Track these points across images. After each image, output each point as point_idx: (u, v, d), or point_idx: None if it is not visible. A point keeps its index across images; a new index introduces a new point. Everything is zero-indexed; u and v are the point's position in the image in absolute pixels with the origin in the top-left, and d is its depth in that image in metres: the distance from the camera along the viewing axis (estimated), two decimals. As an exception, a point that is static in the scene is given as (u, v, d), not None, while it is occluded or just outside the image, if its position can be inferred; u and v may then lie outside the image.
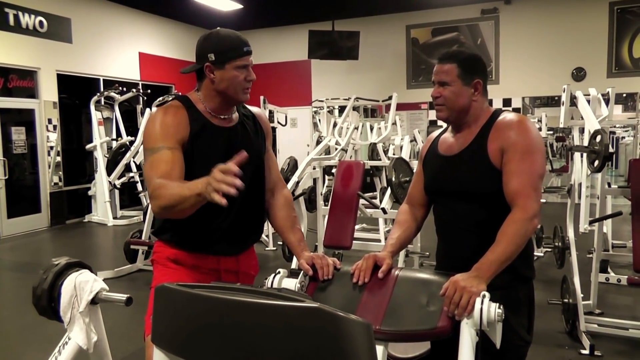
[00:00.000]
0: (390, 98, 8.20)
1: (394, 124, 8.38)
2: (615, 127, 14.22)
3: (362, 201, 4.61)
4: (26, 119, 8.95)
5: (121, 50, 10.93)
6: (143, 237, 5.83)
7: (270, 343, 0.95)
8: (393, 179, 4.70)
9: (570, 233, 4.20)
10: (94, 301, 1.69)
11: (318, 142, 8.59)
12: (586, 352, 3.54)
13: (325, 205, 5.25)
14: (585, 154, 4.14)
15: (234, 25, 11.94)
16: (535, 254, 4.68)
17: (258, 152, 2.02)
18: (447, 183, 1.90)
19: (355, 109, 9.85)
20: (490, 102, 2.46)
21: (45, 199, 9.18)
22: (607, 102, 5.74)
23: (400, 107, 9.65)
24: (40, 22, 8.99)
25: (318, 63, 12.37)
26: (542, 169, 1.77)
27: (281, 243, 6.02)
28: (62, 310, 1.69)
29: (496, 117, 1.85)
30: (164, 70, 12.01)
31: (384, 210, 4.81)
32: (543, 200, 6.54)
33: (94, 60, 10.21)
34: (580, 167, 4.82)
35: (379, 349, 1.43)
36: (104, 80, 10.46)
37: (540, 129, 8.75)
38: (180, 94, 2.53)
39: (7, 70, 8.62)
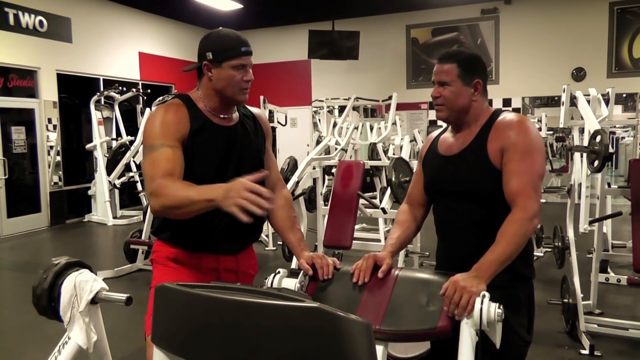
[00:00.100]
0: (390, 98, 8.19)
1: (394, 123, 8.38)
2: (615, 127, 14.21)
3: (362, 201, 4.61)
4: (26, 118, 8.95)
5: (121, 50, 10.93)
6: (143, 237, 5.83)
7: (270, 343, 0.95)
8: (393, 179, 4.70)
9: (570, 233, 4.20)
10: (93, 301, 1.69)
11: (318, 142, 8.60)
12: (586, 352, 3.54)
13: (325, 205, 5.25)
14: (585, 154, 4.14)
15: (234, 25, 11.93)
16: (535, 253, 4.69)
17: (258, 152, 2.02)
18: (446, 183, 1.90)
19: (355, 108, 9.84)
20: (490, 102, 2.46)
21: (45, 199, 9.18)
22: (607, 102, 5.74)
23: (400, 107, 9.65)
24: (40, 22, 8.99)
25: (318, 63, 12.37)
26: (542, 169, 1.77)
27: (281, 243, 6.02)
28: (62, 309, 1.69)
29: (496, 117, 1.85)
30: (163, 70, 12.01)
31: (383, 210, 4.81)
32: (543, 200, 6.56)
33: (94, 60, 10.21)
34: (580, 167, 4.82)
35: (379, 349, 1.43)
36: (103, 80, 10.46)
37: (540, 129, 8.74)
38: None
39: (7, 69, 8.63)
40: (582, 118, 4.83)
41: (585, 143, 4.34)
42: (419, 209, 2.06)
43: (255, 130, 2.04)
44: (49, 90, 9.21)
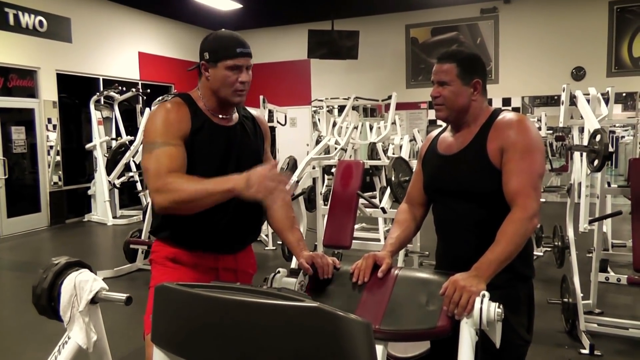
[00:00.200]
0: (389, 97, 8.19)
1: (394, 123, 8.38)
2: (614, 126, 14.22)
3: (361, 201, 4.61)
4: (26, 118, 8.95)
5: (121, 50, 10.93)
6: (142, 237, 5.83)
7: (270, 342, 0.95)
8: (392, 179, 4.70)
9: (570, 232, 4.20)
10: (93, 300, 1.69)
11: (317, 142, 8.60)
12: (586, 351, 3.54)
13: (325, 204, 5.25)
14: (585, 154, 4.14)
15: (234, 24, 11.99)
16: (534, 253, 4.70)
17: (256, 152, 2.03)
18: (446, 182, 1.90)
19: (354, 108, 9.85)
20: (490, 102, 2.47)
21: (45, 199, 9.18)
22: (606, 101, 5.74)
23: (400, 106, 9.65)
24: (40, 22, 8.99)
25: (317, 62, 12.37)
26: (541, 169, 1.77)
27: (280, 243, 6.02)
28: (61, 309, 1.69)
29: (495, 117, 1.85)
30: (163, 69, 12.01)
31: (383, 210, 4.82)
32: (543, 200, 6.56)
33: (94, 60, 10.21)
34: (579, 166, 4.82)
35: (379, 349, 1.43)
36: (103, 79, 10.46)
37: (539, 129, 8.75)
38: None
39: (7, 69, 8.63)
40: (581, 117, 4.83)
41: (585, 142, 4.34)
42: (419, 208, 2.06)
43: (254, 131, 2.05)
44: (48, 90, 9.21)
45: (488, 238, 1.67)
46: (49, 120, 9.17)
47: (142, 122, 8.29)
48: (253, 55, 1.92)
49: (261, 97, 8.03)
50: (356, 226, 5.78)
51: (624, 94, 11.30)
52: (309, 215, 5.59)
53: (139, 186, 9.44)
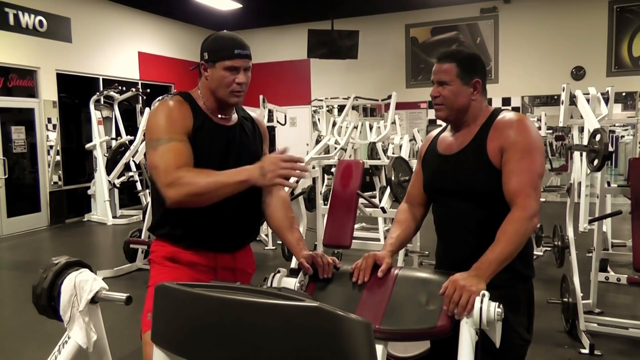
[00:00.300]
0: (389, 97, 8.19)
1: (393, 123, 8.37)
2: (614, 126, 14.21)
3: (361, 200, 4.61)
4: (26, 118, 8.95)
5: (121, 50, 10.93)
6: (142, 236, 5.83)
7: (270, 342, 0.95)
8: (392, 178, 4.70)
9: (570, 232, 4.20)
10: (93, 300, 1.69)
11: (317, 142, 8.60)
12: (586, 351, 3.54)
13: (325, 204, 5.25)
14: (584, 153, 4.14)
15: (233, 24, 11.99)
16: (534, 253, 4.70)
17: (255, 152, 2.04)
18: (446, 182, 1.90)
19: (354, 108, 9.84)
20: (490, 101, 2.46)
21: (44, 198, 9.18)
22: (606, 101, 5.73)
23: (400, 106, 9.65)
24: (40, 22, 8.99)
25: (317, 62, 12.37)
26: (541, 168, 1.77)
27: (280, 242, 6.02)
28: (61, 309, 1.69)
29: (495, 116, 1.85)
30: (163, 69, 12.02)
31: (383, 210, 4.82)
32: (542, 199, 6.55)
33: (94, 60, 10.21)
34: (579, 166, 4.81)
35: (379, 348, 1.43)
36: (103, 79, 10.47)
37: (539, 128, 8.74)
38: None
39: (7, 69, 8.63)
40: (581, 117, 4.83)
41: (585, 142, 4.33)
42: (419, 208, 2.06)
43: (253, 132, 2.06)
44: (48, 90, 9.21)
45: (488, 238, 1.67)
46: (49, 120, 9.17)
47: (142, 121, 8.30)
48: (253, 55, 1.93)
49: (261, 96, 8.03)
50: (356, 226, 5.77)
51: (623, 94, 11.31)
52: (309, 215, 5.59)
53: (138, 186, 9.44)
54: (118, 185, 9.09)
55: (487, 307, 1.45)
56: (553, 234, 5.25)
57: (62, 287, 1.69)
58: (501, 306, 1.45)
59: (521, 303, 1.84)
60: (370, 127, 9.18)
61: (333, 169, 5.21)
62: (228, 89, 1.87)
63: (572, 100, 4.96)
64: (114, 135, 9.75)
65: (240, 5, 10.81)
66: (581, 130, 5.51)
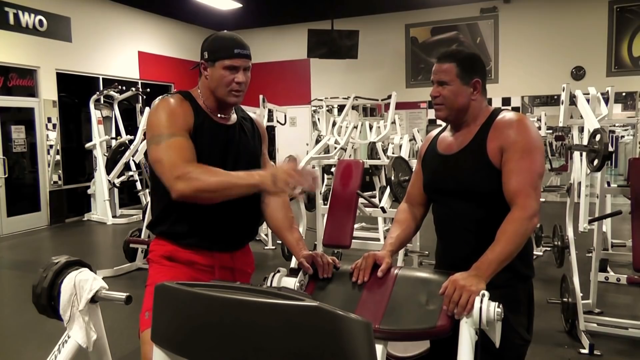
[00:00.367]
0: (389, 97, 8.18)
1: (393, 123, 8.36)
2: (614, 126, 14.21)
3: (361, 200, 4.61)
4: (26, 117, 8.95)
5: (120, 49, 10.93)
6: (142, 236, 5.83)
7: (270, 342, 0.95)
8: (392, 178, 4.70)
9: (570, 232, 4.20)
10: (93, 300, 1.69)
11: (317, 141, 8.59)
12: (585, 351, 3.54)
13: (325, 204, 5.25)
14: (584, 153, 4.14)
15: (233, 24, 11.98)
16: (534, 252, 4.69)
17: (254, 152, 2.05)
18: (446, 182, 1.90)
19: (354, 107, 9.84)
20: (490, 101, 2.46)
21: (44, 198, 9.17)
22: (606, 101, 5.73)
23: (400, 106, 9.64)
24: (40, 21, 8.99)
25: (317, 62, 12.37)
26: (541, 168, 1.77)
27: (280, 242, 6.02)
28: (61, 308, 1.69)
29: (495, 116, 1.85)
30: (163, 69, 12.01)
31: (383, 209, 4.81)
32: (542, 199, 6.55)
33: (94, 59, 10.20)
34: (579, 166, 4.81)
35: (379, 348, 1.43)
36: (103, 79, 10.47)
37: (539, 128, 8.74)
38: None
39: (7, 69, 8.63)
40: (581, 117, 4.82)
41: (585, 142, 4.33)
42: (419, 208, 2.06)
43: (252, 132, 2.07)
44: (48, 90, 9.21)
45: (488, 238, 1.67)
46: (49, 120, 9.17)
47: (142, 121, 8.29)
48: (253, 55, 1.93)
49: (261, 96, 8.03)
50: (356, 226, 5.78)
51: (623, 94, 11.31)
52: (309, 215, 5.59)
53: (138, 185, 9.43)
54: (118, 185, 9.09)
55: (487, 307, 1.45)
56: (553, 233, 5.26)
57: (62, 287, 1.69)
58: (501, 306, 1.45)
59: (521, 303, 1.84)
60: (370, 127, 9.18)
61: (333, 169, 5.21)
62: (227, 88, 1.87)
63: (572, 100, 4.95)
64: (113, 135, 9.75)
65: (240, 5, 10.80)
66: (581, 130, 5.51)
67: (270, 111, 8.58)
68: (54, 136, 9.25)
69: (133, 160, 8.98)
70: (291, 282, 1.71)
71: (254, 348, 0.97)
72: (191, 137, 1.84)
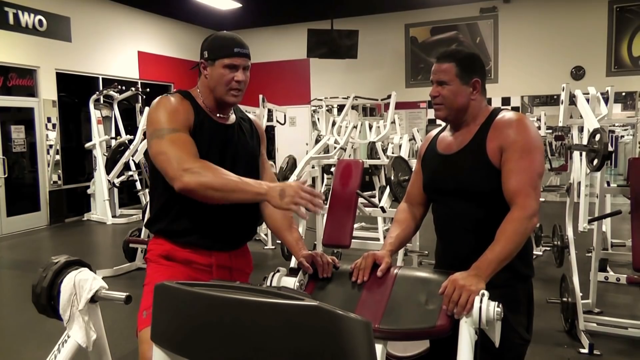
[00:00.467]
0: (389, 97, 8.19)
1: (393, 122, 8.37)
2: (614, 125, 14.21)
3: (361, 200, 4.61)
4: (25, 117, 8.95)
5: (120, 49, 10.93)
6: (142, 236, 5.83)
7: (270, 341, 0.95)
8: (392, 178, 4.70)
9: (570, 232, 4.20)
10: (93, 299, 1.69)
11: (317, 141, 8.58)
12: (585, 351, 3.54)
13: (324, 204, 5.24)
14: (584, 153, 4.14)
15: (233, 24, 11.98)
16: (534, 252, 4.69)
17: (252, 153, 2.05)
18: (445, 182, 1.90)
19: (354, 107, 9.83)
20: (489, 101, 2.47)
21: (44, 198, 9.17)
22: (606, 100, 5.73)
23: (399, 105, 9.65)
24: (40, 21, 8.99)
25: (317, 62, 12.36)
26: (541, 168, 1.77)
27: (280, 242, 6.01)
28: (61, 308, 1.69)
29: (495, 116, 1.85)
30: (163, 69, 12.01)
31: (383, 209, 4.81)
32: (542, 199, 6.55)
33: (93, 59, 10.20)
34: (579, 165, 4.81)
35: (378, 348, 1.43)
36: (103, 79, 10.47)
37: (539, 128, 8.74)
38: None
39: (7, 68, 8.63)
40: (581, 117, 4.82)
41: (585, 142, 4.33)
42: (418, 207, 2.06)
43: (251, 133, 2.07)
44: (48, 89, 9.21)
45: (487, 237, 1.67)
46: (49, 119, 9.17)
47: (142, 120, 8.29)
48: (253, 55, 1.94)
49: (260, 96, 8.03)
50: (355, 225, 5.77)
51: (623, 94, 11.31)
52: (309, 215, 5.58)
53: (138, 185, 9.43)
54: (117, 185, 9.08)
55: (487, 307, 1.45)
56: (552, 233, 5.26)
57: (61, 286, 1.69)
58: (501, 306, 1.45)
59: (521, 302, 1.84)
60: (370, 127, 9.18)
61: (332, 169, 5.20)
62: (226, 87, 1.88)
63: (572, 100, 4.95)
64: (113, 135, 9.75)
65: (240, 5, 10.80)
66: (581, 130, 5.51)
67: (270, 111, 8.58)
68: (53, 136, 9.25)
69: (133, 160, 8.98)
70: (291, 282, 1.71)
71: (253, 348, 0.97)
72: (191, 135, 1.84)
